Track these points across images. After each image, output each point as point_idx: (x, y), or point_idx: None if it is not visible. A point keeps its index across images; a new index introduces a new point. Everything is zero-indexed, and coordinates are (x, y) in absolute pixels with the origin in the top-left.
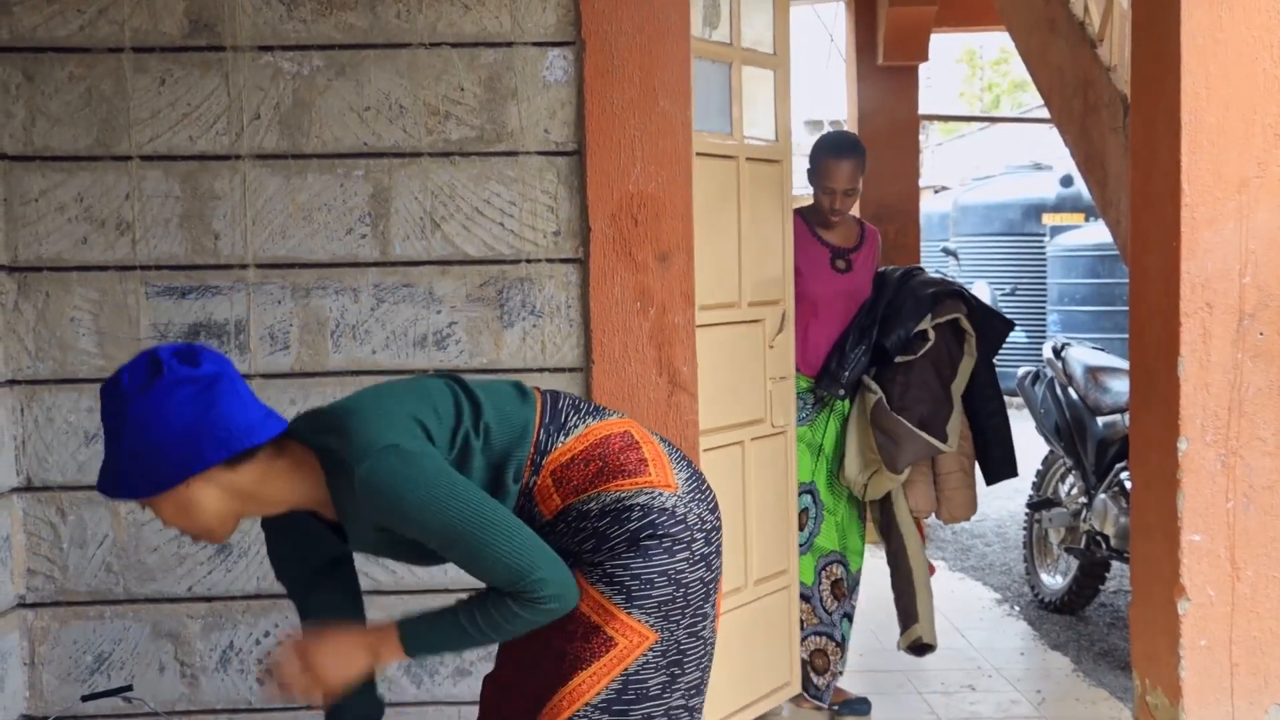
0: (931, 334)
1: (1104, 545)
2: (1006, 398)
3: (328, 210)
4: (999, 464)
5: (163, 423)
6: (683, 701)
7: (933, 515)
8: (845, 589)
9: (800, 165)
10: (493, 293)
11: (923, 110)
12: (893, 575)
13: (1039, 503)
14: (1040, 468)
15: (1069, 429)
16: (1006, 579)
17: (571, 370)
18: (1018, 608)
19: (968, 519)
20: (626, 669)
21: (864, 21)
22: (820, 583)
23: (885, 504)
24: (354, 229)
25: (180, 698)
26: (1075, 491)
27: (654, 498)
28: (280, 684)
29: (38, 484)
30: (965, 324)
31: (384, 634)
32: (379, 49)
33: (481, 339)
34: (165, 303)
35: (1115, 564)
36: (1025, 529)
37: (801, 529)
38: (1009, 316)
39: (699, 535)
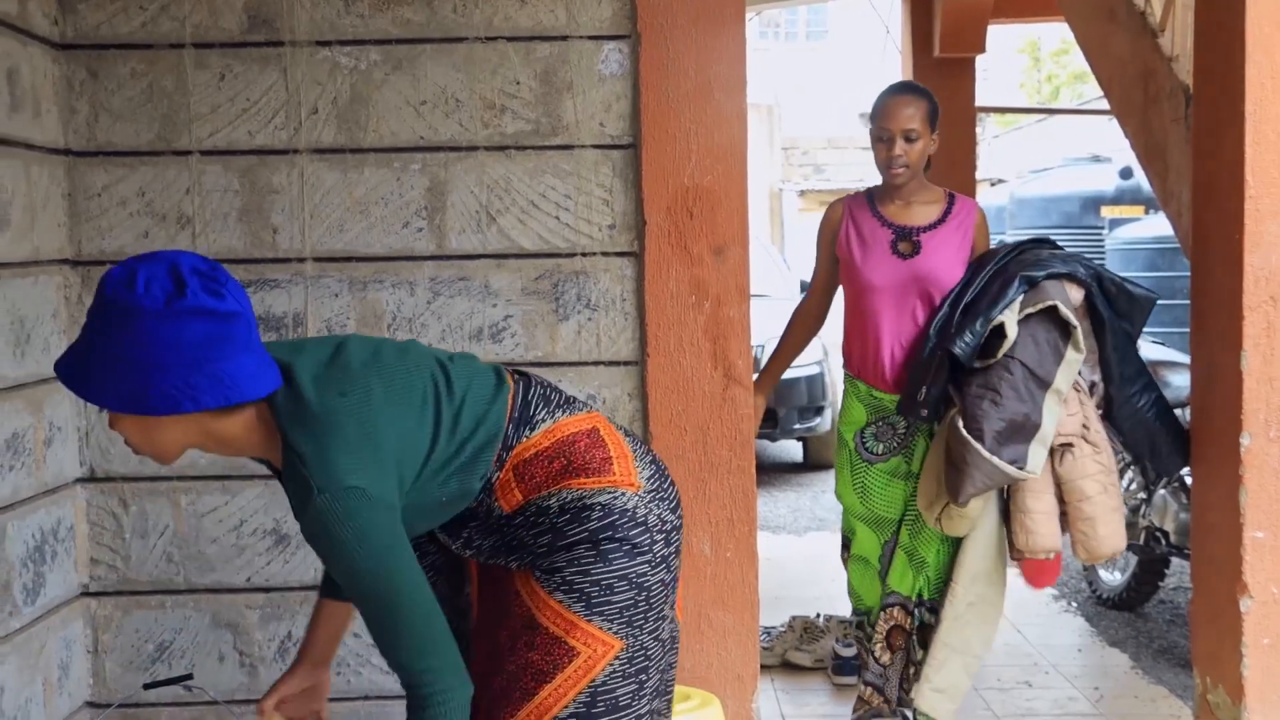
0: (1011, 330)
1: (1164, 541)
2: None
3: (385, 204)
4: (1164, 458)
5: (167, 350)
6: (648, 707)
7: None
8: (905, 640)
9: None
10: (548, 286)
11: (980, 102)
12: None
13: None
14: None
15: None
16: (1064, 574)
17: (626, 364)
18: (1075, 604)
19: (1115, 555)
20: (593, 680)
21: (920, 13)
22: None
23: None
24: (410, 222)
25: (239, 687)
26: (1134, 487)
27: (615, 498)
28: None
29: (100, 475)
30: (1065, 313)
31: None
32: (435, 43)
33: (537, 332)
34: None
35: (1175, 560)
36: None
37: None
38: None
39: (659, 537)
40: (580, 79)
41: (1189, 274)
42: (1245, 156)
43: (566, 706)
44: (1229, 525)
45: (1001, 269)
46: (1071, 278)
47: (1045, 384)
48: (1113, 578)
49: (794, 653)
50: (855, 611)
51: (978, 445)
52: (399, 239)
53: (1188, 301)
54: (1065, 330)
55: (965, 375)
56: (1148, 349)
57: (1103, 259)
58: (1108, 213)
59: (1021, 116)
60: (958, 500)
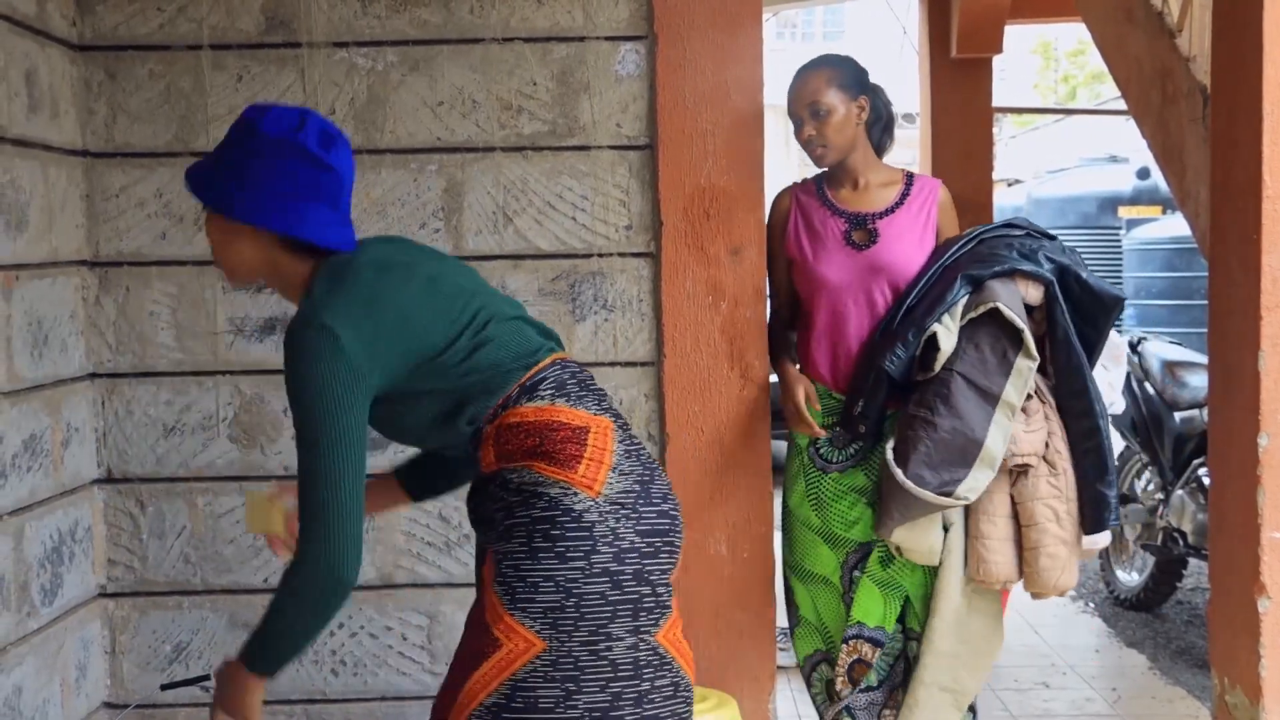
0: (945, 341)
1: (1181, 542)
2: None
3: (401, 205)
4: (1083, 513)
5: (262, 169)
6: None
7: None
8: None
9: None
10: (565, 286)
11: (996, 103)
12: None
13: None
14: (1116, 463)
15: (1145, 424)
16: (1081, 575)
17: (643, 364)
18: (1093, 604)
19: (1062, 593)
20: (514, 675)
21: (937, 13)
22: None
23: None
24: (427, 223)
25: None
26: (1152, 487)
27: (566, 494)
28: None
29: (118, 475)
30: (1010, 316)
31: (237, 669)
32: (452, 44)
33: None
34: (241, 297)
35: (1192, 561)
36: None
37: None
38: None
39: (605, 549)
40: (597, 80)
41: (1206, 274)
42: (1263, 156)
43: (490, 695)
44: (1247, 526)
45: (952, 264)
46: (1027, 274)
47: (993, 397)
48: (1130, 578)
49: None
50: (807, 659)
51: (896, 471)
52: (416, 240)
53: (1205, 302)
54: (1015, 335)
55: (909, 389)
56: (1166, 349)
57: (1120, 259)
58: (1125, 213)
59: (1038, 117)
60: (878, 531)
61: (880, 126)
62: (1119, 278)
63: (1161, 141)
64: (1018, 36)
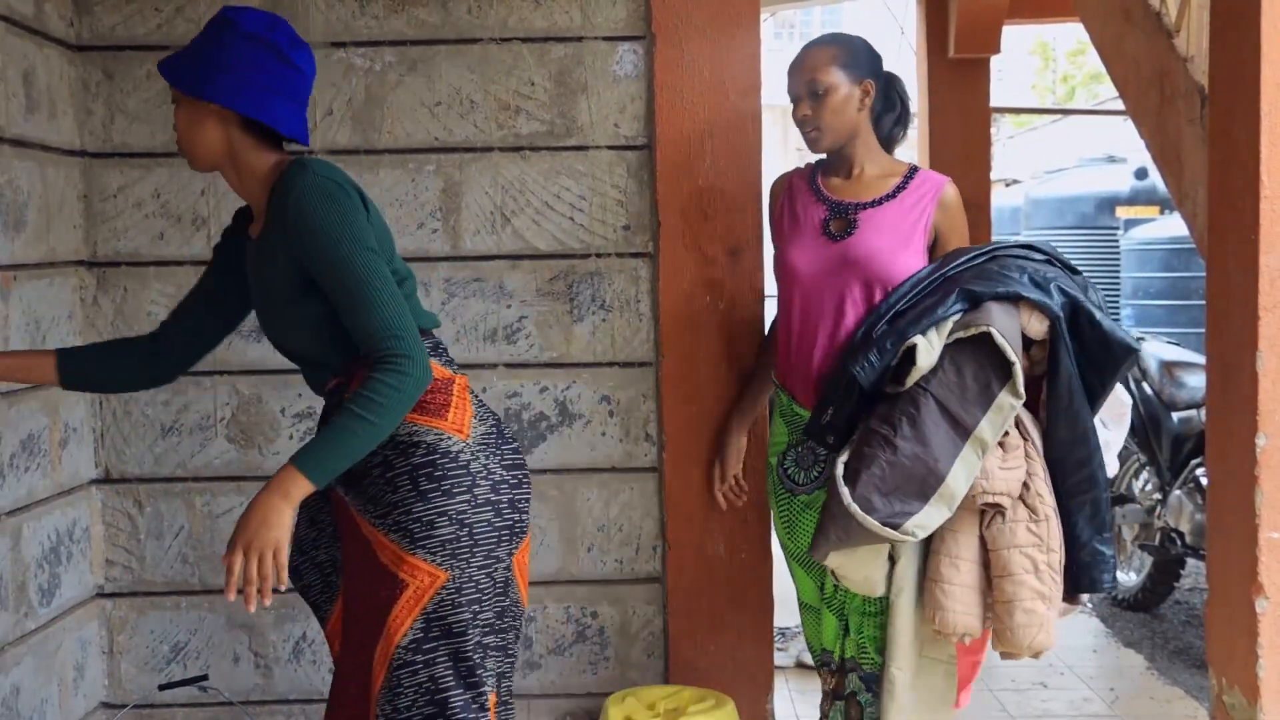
0: (924, 357)
1: (1179, 542)
2: None
3: (399, 205)
4: (1076, 571)
5: (235, 58)
6: (479, 638)
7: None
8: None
9: None
10: (563, 287)
11: (994, 103)
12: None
13: (1113, 499)
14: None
15: (1143, 424)
16: None
17: (641, 364)
18: (1090, 604)
19: (1038, 654)
20: (425, 609)
21: (935, 14)
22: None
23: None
24: (425, 224)
25: (254, 688)
26: (1150, 488)
27: (441, 439)
28: (239, 581)
29: (115, 476)
30: (1001, 344)
31: (286, 475)
32: (450, 44)
33: (551, 333)
34: None
35: (1190, 561)
36: None
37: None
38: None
39: (483, 483)
40: (595, 80)
41: (1204, 274)
42: (1261, 157)
43: (407, 634)
44: (1244, 526)
45: (954, 276)
46: (1033, 304)
47: (964, 429)
48: (1128, 579)
49: (808, 654)
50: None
51: (844, 490)
52: (414, 240)
53: (1203, 302)
54: (1004, 367)
55: (877, 399)
56: (1164, 349)
57: (1118, 259)
58: (1123, 213)
59: (1036, 117)
60: (812, 552)
61: (894, 118)
62: (1116, 278)
63: (1159, 142)
64: (1016, 37)
